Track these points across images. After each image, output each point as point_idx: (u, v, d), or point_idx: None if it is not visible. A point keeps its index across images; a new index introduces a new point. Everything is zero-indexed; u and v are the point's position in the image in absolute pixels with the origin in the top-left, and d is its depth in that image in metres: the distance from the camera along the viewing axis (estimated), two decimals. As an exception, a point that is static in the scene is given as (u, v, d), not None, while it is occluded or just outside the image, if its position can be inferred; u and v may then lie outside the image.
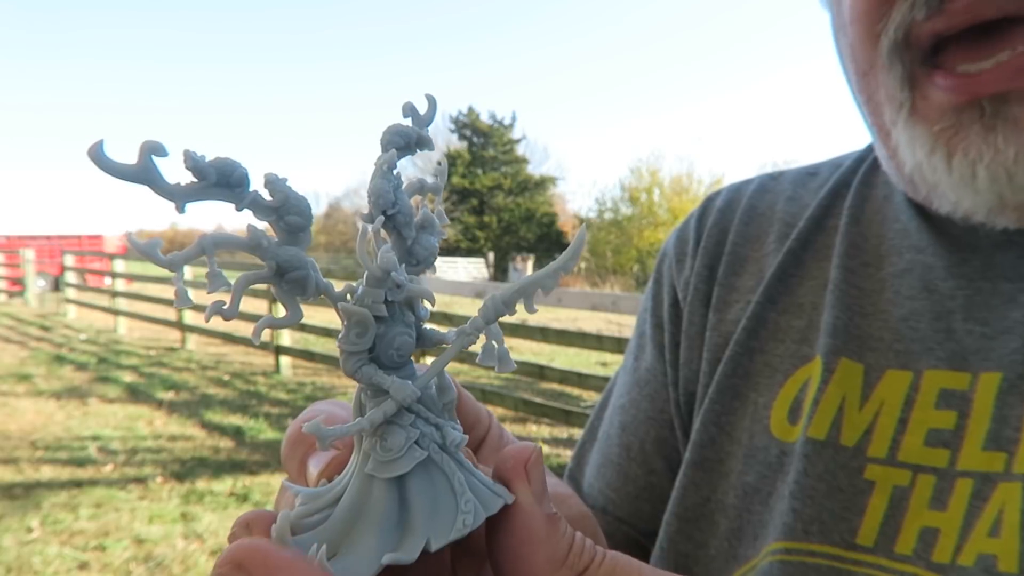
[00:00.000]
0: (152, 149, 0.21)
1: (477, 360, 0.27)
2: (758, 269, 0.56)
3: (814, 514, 0.45)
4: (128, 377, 6.35)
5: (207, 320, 0.23)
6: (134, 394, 5.72)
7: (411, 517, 0.25)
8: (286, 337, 6.64)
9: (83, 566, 2.89)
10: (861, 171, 0.57)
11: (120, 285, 10.22)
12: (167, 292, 8.59)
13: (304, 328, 6.48)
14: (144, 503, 3.52)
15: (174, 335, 8.44)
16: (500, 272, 27.11)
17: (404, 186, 0.27)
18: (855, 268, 0.51)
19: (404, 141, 0.27)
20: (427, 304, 0.27)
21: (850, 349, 0.48)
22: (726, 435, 0.52)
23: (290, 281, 0.24)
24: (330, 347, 7.23)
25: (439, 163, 0.29)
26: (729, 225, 0.60)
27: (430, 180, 0.29)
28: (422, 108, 0.28)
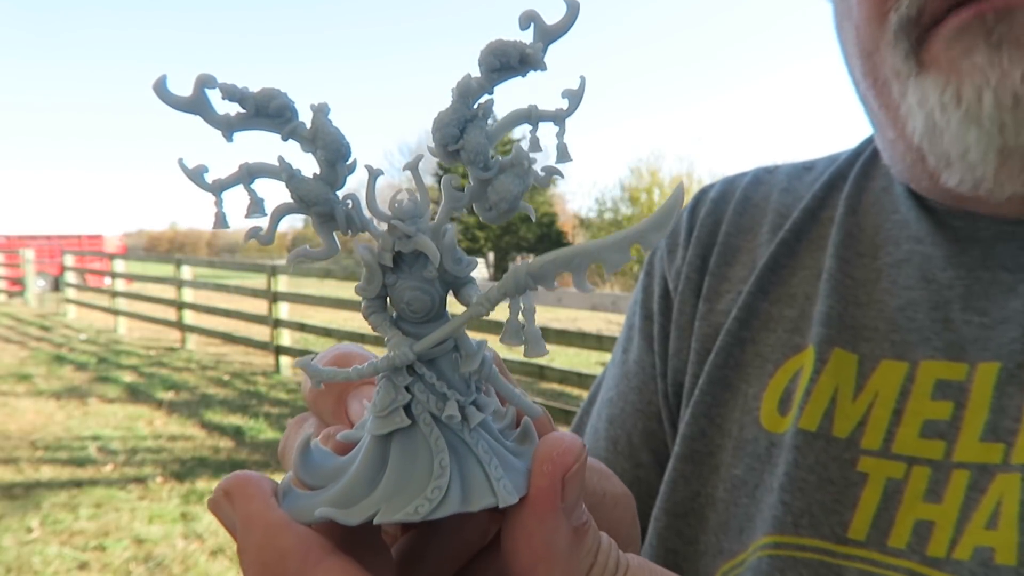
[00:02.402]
0: (205, 82, 0.21)
1: (500, 339, 0.24)
2: (751, 259, 0.56)
3: (804, 507, 0.44)
4: (128, 377, 6.35)
5: (245, 243, 0.23)
6: (134, 394, 5.72)
7: (381, 482, 0.24)
8: (286, 337, 6.64)
9: (83, 566, 2.88)
10: (859, 163, 0.56)
11: (120, 285, 10.22)
12: (167, 292, 8.59)
13: (304, 328, 6.47)
14: (144, 503, 3.52)
15: (174, 335, 8.43)
16: (500, 272, 27.10)
17: (506, 115, 0.24)
18: (850, 258, 0.51)
19: (500, 61, 0.22)
20: (433, 261, 0.24)
21: (844, 339, 0.48)
22: (716, 427, 0.51)
23: (318, 214, 0.23)
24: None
25: (580, 79, 0.23)
26: (722, 216, 0.59)
27: (546, 108, 0.24)
28: (553, 17, 0.22)
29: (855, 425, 0.45)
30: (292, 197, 0.23)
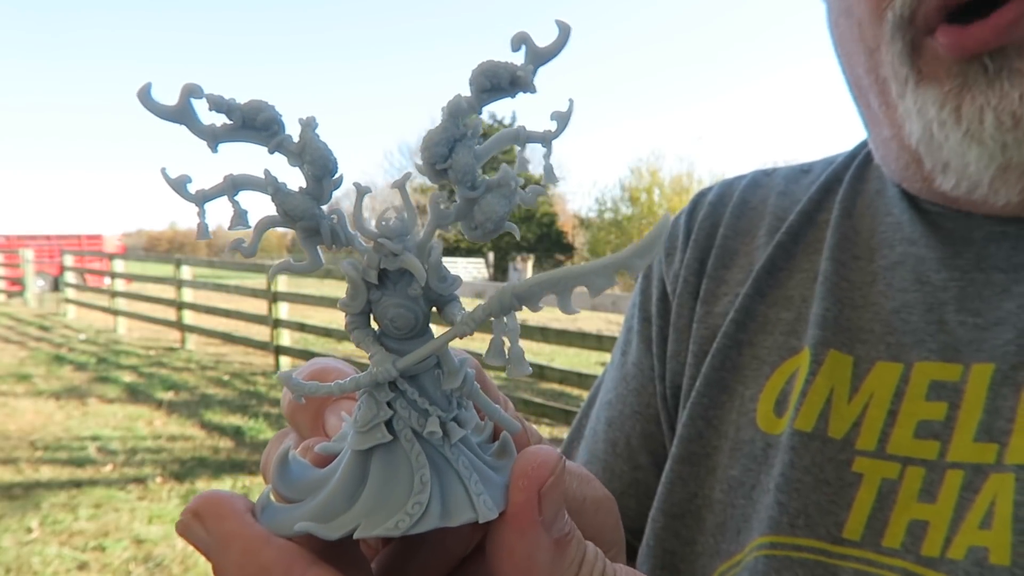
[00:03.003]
0: (191, 91, 0.21)
1: (484, 358, 0.24)
2: (748, 262, 0.56)
3: (800, 507, 0.44)
4: (128, 377, 6.35)
5: (229, 253, 0.23)
6: (134, 394, 5.72)
7: (361, 496, 0.24)
8: (286, 337, 6.64)
9: (82, 566, 2.88)
10: (853, 166, 0.57)
11: (120, 285, 10.22)
12: (167, 292, 8.59)
13: (304, 328, 6.47)
14: (144, 503, 3.52)
15: (174, 335, 8.43)
16: (500, 272, 27.09)
17: (495, 135, 0.24)
18: (846, 261, 0.51)
19: (491, 82, 0.22)
20: (420, 280, 0.24)
21: (839, 341, 0.48)
22: (713, 429, 0.51)
23: (303, 228, 0.23)
24: (330, 347, 7.23)
25: (569, 101, 0.24)
26: (720, 219, 0.60)
27: (535, 129, 0.24)
28: (545, 39, 0.23)
29: (850, 426, 0.45)
30: (277, 211, 0.23)
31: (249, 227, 0.23)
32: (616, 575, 0.25)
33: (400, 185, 0.24)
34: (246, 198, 0.23)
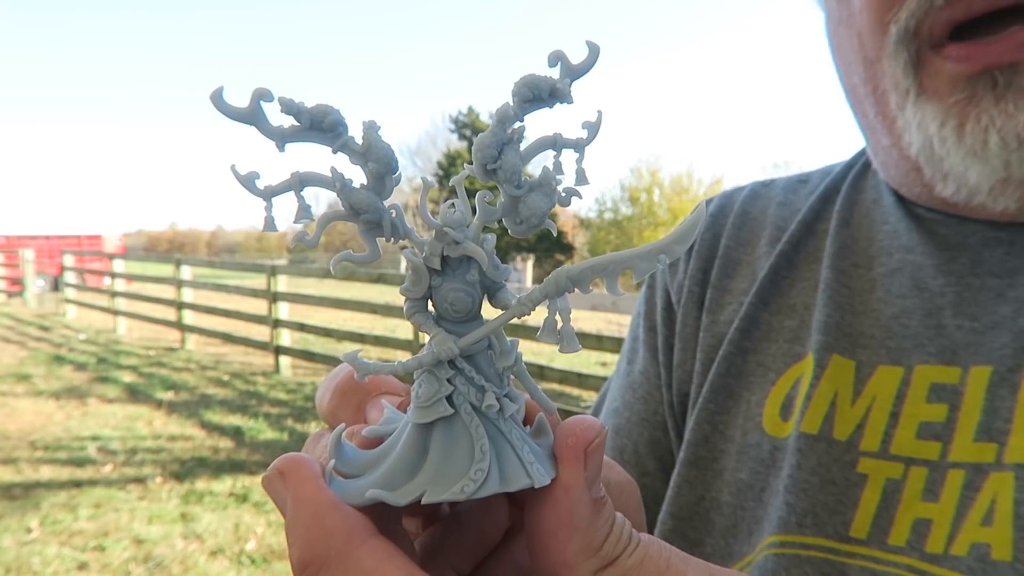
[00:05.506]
0: (261, 95, 0.23)
1: (537, 336, 0.26)
2: (750, 271, 0.57)
3: (808, 507, 0.45)
4: (127, 377, 6.35)
5: (291, 248, 0.26)
6: (133, 394, 5.72)
7: (424, 466, 0.26)
8: (286, 337, 6.64)
9: (82, 566, 2.89)
10: (850, 176, 0.58)
11: (120, 285, 10.23)
12: (167, 292, 8.60)
13: (304, 328, 6.48)
14: (143, 503, 3.52)
15: (174, 335, 8.44)
16: (500, 272, 27.04)
17: (534, 141, 0.26)
18: (846, 268, 0.52)
19: (532, 93, 0.25)
20: (482, 264, 0.26)
21: (841, 346, 0.49)
22: (720, 433, 0.52)
23: (365, 222, 0.25)
24: (330, 347, 7.23)
25: (598, 112, 0.26)
26: (722, 229, 0.61)
27: (569, 136, 0.26)
28: (577, 56, 0.25)
29: (854, 428, 0.46)
30: (343, 205, 0.25)
31: (312, 220, 0.25)
32: (641, 540, 0.26)
33: (457, 182, 0.26)
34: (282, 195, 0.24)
